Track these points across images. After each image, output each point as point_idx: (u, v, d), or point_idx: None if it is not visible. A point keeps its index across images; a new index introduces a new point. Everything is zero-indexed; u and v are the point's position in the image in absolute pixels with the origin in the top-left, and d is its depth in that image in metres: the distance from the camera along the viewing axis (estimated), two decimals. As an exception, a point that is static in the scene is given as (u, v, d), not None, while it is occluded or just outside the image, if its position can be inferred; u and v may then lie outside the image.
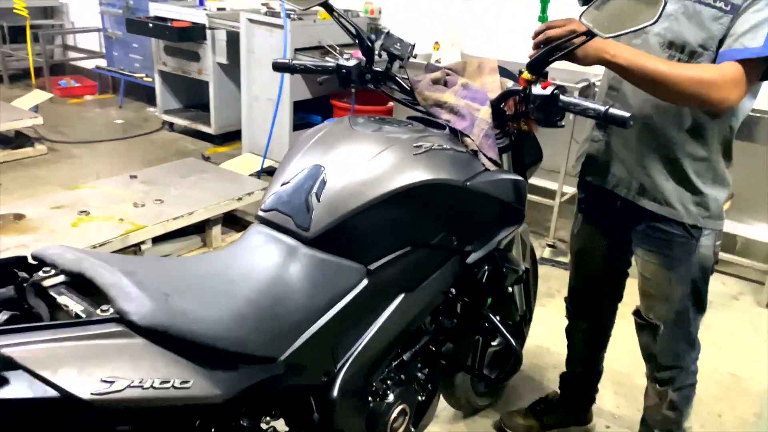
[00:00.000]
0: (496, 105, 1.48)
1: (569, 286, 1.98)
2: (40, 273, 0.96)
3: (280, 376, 1.11)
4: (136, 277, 0.93)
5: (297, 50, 3.92)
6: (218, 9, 4.68)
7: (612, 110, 1.25)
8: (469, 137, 1.44)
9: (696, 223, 1.58)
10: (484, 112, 1.48)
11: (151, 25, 4.61)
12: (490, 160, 1.44)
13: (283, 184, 1.27)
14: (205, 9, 4.68)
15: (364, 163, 1.25)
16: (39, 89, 4.85)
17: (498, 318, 1.62)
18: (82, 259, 0.96)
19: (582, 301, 1.97)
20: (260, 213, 1.27)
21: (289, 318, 1.12)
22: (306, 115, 4.52)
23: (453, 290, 1.54)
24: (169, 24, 4.60)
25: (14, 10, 5.12)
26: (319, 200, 1.21)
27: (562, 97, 1.33)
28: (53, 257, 0.97)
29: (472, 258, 1.49)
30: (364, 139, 1.31)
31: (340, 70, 1.61)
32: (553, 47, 1.34)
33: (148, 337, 0.87)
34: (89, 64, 6.52)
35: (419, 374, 1.55)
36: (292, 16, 3.96)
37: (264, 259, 1.18)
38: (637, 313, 1.76)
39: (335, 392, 1.25)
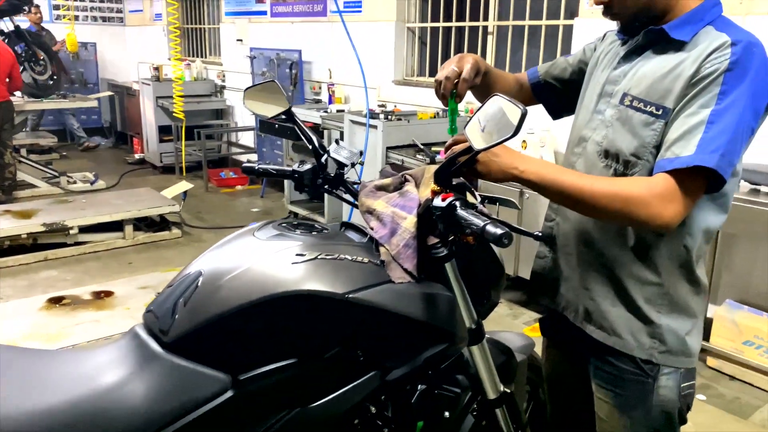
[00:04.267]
0: (422, 215, 1.42)
1: (548, 418, 1.74)
2: None
3: None
4: None
5: (389, 148, 4.06)
6: (337, 111, 5.04)
7: (489, 227, 1.13)
8: (384, 246, 1.39)
9: (650, 358, 1.33)
10: (409, 221, 1.42)
11: (276, 126, 5.08)
12: (406, 271, 1.37)
13: (169, 286, 1.31)
14: (326, 111, 5.07)
15: (236, 271, 1.25)
16: (185, 181, 5.50)
17: None
18: None
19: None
20: (144, 313, 1.32)
21: (125, 421, 1.13)
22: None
23: (372, 408, 1.44)
24: (291, 125, 5.03)
25: (174, 114, 5.96)
26: (185, 305, 1.23)
27: (458, 210, 1.24)
28: None
29: (392, 375, 1.40)
30: (252, 246, 1.32)
31: (294, 174, 1.65)
32: (450, 158, 1.26)
33: None
34: (245, 158, 7.32)
35: None
36: (390, 117, 4.14)
37: (122, 359, 1.21)
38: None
39: None
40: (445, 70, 1.44)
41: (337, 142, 1.61)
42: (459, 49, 4.96)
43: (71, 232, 4.64)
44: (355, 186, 1.62)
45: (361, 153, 1.57)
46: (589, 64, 1.50)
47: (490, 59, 4.72)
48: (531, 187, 1.25)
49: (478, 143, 1.15)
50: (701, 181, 1.17)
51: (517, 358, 1.81)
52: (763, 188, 2.80)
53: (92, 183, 6.61)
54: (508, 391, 1.72)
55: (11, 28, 6.36)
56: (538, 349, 1.85)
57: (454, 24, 4.97)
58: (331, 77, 5.80)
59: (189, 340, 1.21)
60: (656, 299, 1.33)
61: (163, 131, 7.38)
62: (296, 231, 1.39)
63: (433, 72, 5.17)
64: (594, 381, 1.46)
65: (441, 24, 5.04)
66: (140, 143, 8.12)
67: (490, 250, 1.56)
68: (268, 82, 1.67)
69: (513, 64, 4.54)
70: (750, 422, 2.72)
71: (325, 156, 1.61)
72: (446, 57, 5.01)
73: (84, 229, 4.74)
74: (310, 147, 1.64)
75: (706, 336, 3.25)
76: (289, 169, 1.69)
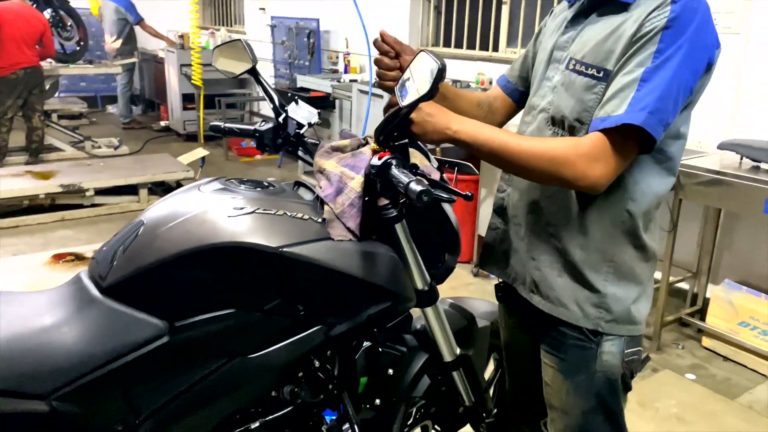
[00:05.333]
0: (368, 175, 1.42)
1: (507, 387, 1.74)
2: None
3: (48, 414, 1.17)
4: None
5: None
6: (350, 80, 5.04)
7: (411, 184, 1.14)
8: (328, 205, 1.40)
9: (596, 328, 1.32)
10: (356, 182, 1.42)
11: (289, 94, 5.10)
12: (349, 230, 1.38)
13: (115, 236, 1.36)
14: (339, 81, 5.07)
15: (174, 221, 1.29)
16: (201, 148, 5.59)
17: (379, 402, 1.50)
18: None
19: (520, 406, 1.71)
20: (90, 259, 1.36)
21: (58, 359, 1.18)
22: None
23: (316, 362, 1.47)
24: (305, 94, 5.06)
25: (192, 82, 6.03)
26: (124, 253, 1.27)
27: (392, 169, 1.24)
28: None
29: (335, 331, 1.42)
30: (194, 199, 1.35)
31: (255, 133, 1.67)
32: (387, 117, 1.27)
33: None
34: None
35: None
36: (397, 86, 4.12)
37: (63, 302, 1.26)
38: (545, 425, 1.49)
39: None
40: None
41: (296, 101, 1.62)
42: (473, 19, 4.89)
43: (87, 194, 4.77)
44: (315, 146, 1.63)
45: (319, 113, 1.58)
46: (540, 36, 1.48)
47: (503, 30, 4.64)
48: (464, 147, 1.25)
49: (406, 100, 1.15)
50: (633, 141, 1.15)
51: (480, 324, 1.82)
52: (763, 165, 2.72)
53: (116, 148, 6.76)
54: (466, 354, 1.74)
55: (40, -7, 6.49)
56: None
57: (470, -7, 4.89)
58: (347, 47, 5.79)
59: (126, 285, 1.25)
60: (601, 267, 1.31)
61: (187, 99, 7.47)
62: (241, 186, 1.42)
63: (448, 42, 5.11)
64: (541, 347, 1.46)
65: (457, -7, 4.97)
66: (166, 111, 8.24)
67: (444, 214, 1.55)
68: (233, 41, 1.68)
69: (526, 35, 4.46)
70: (736, 403, 2.68)
71: (284, 115, 1.63)
72: (461, 27, 4.95)
73: (100, 192, 4.87)
74: (271, 106, 1.66)
75: (702, 316, 3.20)
76: (251, 128, 1.71)
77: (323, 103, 5.03)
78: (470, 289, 3.71)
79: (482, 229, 3.72)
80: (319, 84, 5.19)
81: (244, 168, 6.60)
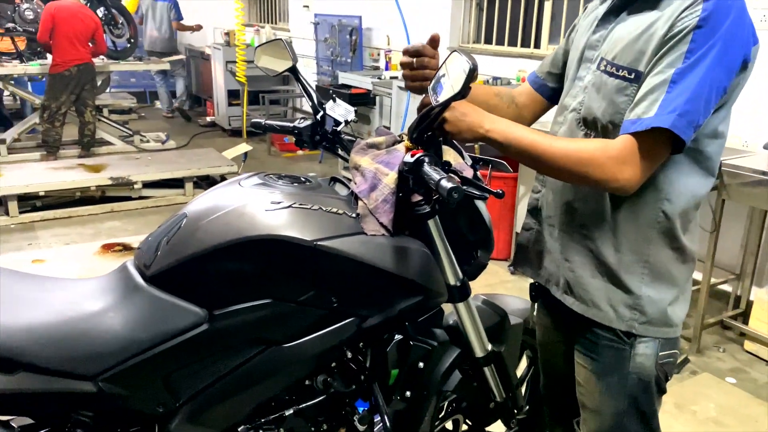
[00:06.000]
0: (402, 172, 1.45)
1: (541, 385, 1.75)
2: None
3: (95, 394, 1.24)
4: None
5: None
6: (391, 77, 5.07)
7: (442, 181, 1.16)
8: (362, 200, 1.44)
9: (630, 329, 1.32)
10: (390, 178, 1.46)
11: (330, 91, 5.16)
12: (382, 225, 1.42)
13: (159, 227, 1.42)
14: (380, 78, 5.11)
15: (215, 214, 1.34)
16: (245, 143, 5.71)
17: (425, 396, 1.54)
18: None
19: (555, 402, 1.72)
20: (135, 249, 1.43)
21: (105, 343, 1.25)
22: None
23: (349, 353, 1.51)
24: (346, 91, 5.11)
25: (237, 78, 6.16)
26: (167, 243, 1.34)
27: (424, 166, 1.27)
28: None
29: (368, 323, 1.46)
30: (235, 193, 1.41)
31: (294, 130, 1.72)
32: (421, 115, 1.29)
33: None
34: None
35: None
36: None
37: (109, 289, 1.33)
38: (578, 424, 1.50)
39: (174, 424, 1.34)
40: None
41: (333, 99, 1.66)
42: (516, 15, 4.86)
43: (135, 186, 4.94)
44: (352, 143, 1.66)
45: (356, 111, 1.62)
46: (573, 33, 1.48)
47: (545, 27, 4.60)
48: (496, 146, 1.26)
49: (439, 100, 1.18)
50: (663, 143, 1.15)
51: (512, 321, 1.83)
52: (813, 166, 2.64)
53: (163, 143, 6.95)
54: (498, 351, 1.76)
55: (93, -8, 6.71)
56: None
57: (512, -10, 4.86)
58: (389, 44, 5.82)
59: (169, 275, 1.32)
60: (636, 268, 1.31)
61: (232, 95, 7.63)
62: (279, 182, 1.47)
63: (489, 39, 5.09)
64: (575, 347, 1.46)
65: (500, -10, 4.95)
66: (212, 107, 8.43)
67: (477, 211, 1.57)
68: (275, 40, 1.73)
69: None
70: (777, 408, 2.62)
71: (322, 112, 1.67)
72: (503, 23, 4.92)
73: (148, 185, 5.04)
74: (310, 104, 1.71)
75: (745, 319, 3.13)
76: (291, 125, 1.76)
77: (364, 99, 5.08)
78: (507, 286, 3.70)
79: (520, 227, 3.70)
80: (361, 81, 5.24)
81: (285, 163, 6.71)
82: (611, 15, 1.32)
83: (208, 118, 8.53)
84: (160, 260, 1.33)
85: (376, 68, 5.99)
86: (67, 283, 1.41)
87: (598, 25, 1.34)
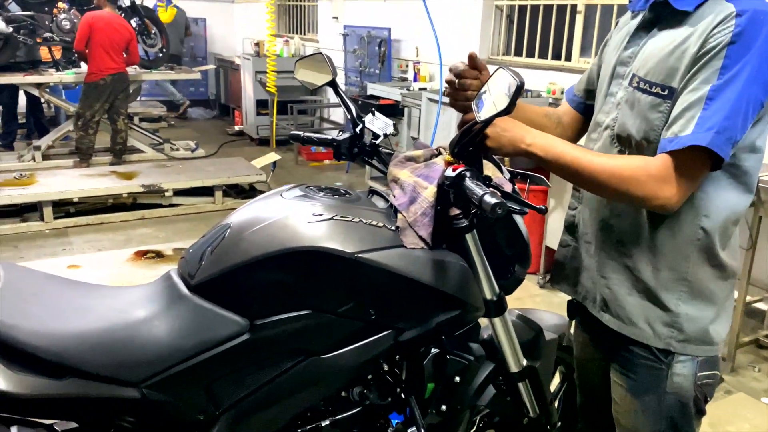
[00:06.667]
0: (441, 185, 1.46)
1: (578, 402, 1.73)
2: None
3: (138, 400, 1.27)
4: (12, 291, 1.20)
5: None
6: (419, 89, 5.09)
7: (486, 196, 1.16)
8: (402, 213, 1.45)
9: (667, 347, 1.31)
10: (429, 191, 1.47)
11: (359, 101, 5.20)
12: (421, 239, 1.42)
13: (203, 237, 1.45)
14: (409, 89, 5.13)
15: (258, 225, 1.36)
16: (273, 153, 5.77)
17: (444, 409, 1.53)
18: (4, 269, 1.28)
19: (592, 419, 1.70)
20: (179, 259, 1.46)
21: (150, 350, 1.28)
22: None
23: (385, 366, 1.52)
24: (375, 102, 5.14)
25: (267, 89, 6.24)
26: (211, 253, 1.36)
27: (466, 180, 1.27)
28: None
29: (404, 336, 1.46)
30: (277, 205, 1.43)
31: (332, 143, 1.74)
32: (463, 130, 1.30)
33: None
34: (334, 133, 7.52)
35: None
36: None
37: (154, 297, 1.36)
38: (615, 443, 1.48)
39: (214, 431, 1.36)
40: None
41: (373, 113, 1.68)
42: (546, 28, 4.85)
43: (166, 194, 5.01)
44: (389, 156, 1.68)
45: (395, 125, 1.63)
46: (605, 48, 1.48)
47: (577, 40, 4.58)
48: (538, 161, 1.27)
49: (483, 115, 1.18)
50: (702, 161, 1.15)
51: (547, 337, 1.82)
52: None
53: (192, 151, 7.05)
54: (532, 366, 1.75)
55: (127, 3, 6.85)
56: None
57: (542, 2, 4.86)
58: (417, 55, 5.84)
59: (212, 284, 1.34)
60: (675, 286, 1.30)
61: (261, 105, 7.72)
62: (320, 194, 1.48)
63: (519, 51, 5.08)
64: (611, 365, 1.45)
65: (529, 2, 4.94)
66: (240, 116, 8.54)
67: (515, 225, 1.57)
68: (316, 54, 1.75)
69: (600, 45, 4.38)
70: (817, 431, 2.56)
71: (361, 126, 1.69)
72: (533, 36, 4.92)
73: (178, 192, 5.11)
74: (348, 117, 1.72)
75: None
76: (329, 137, 1.78)
77: (392, 110, 5.10)
78: (536, 300, 3.68)
79: (549, 240, 3.68)
80: (389, 92, 5.27)
81: (312, 172, 6.76)
82: (642, 30, 1.32)
83: (236, 127, 8.63)
84: (204, 270, 1.35)
85: (404, 79, 6.02)
86: (114, 290, 1.44)
87: (629, 40, 1.34)
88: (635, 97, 1.27)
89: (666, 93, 1.20)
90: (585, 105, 1.59)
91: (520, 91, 1.11)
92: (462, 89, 1.44)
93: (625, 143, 1.30)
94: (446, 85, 1.50)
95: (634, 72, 1.28)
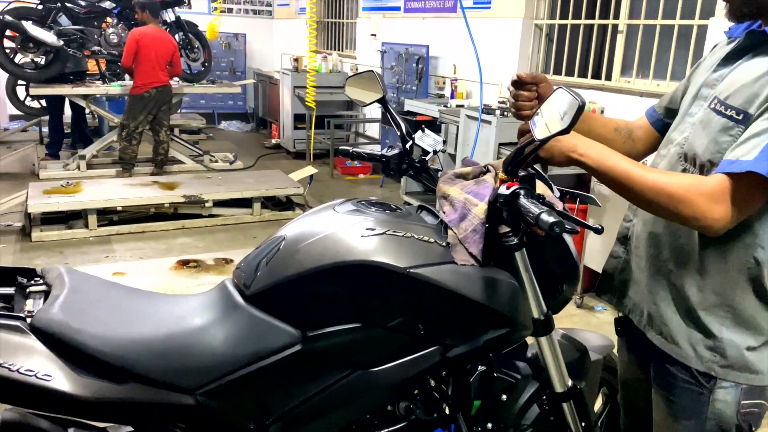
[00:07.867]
0: (492, 203, 1.47)
1: (622, 424, 1.71)
2: (29, 281, 1.35)
3: (192, 407, 1.30)
4: (78, 296, 1.25)
5: (501, 144, 4.07)
6: (457, 105, 5.11)
7: (543, 215, 1.17)
8: (452, 229, 1.46)
9: (709, 371, 1.29)
10: (480, 208, 1.48)
11: (400, 115, 5.23)
12: (471, 255, 1.43)
13: (257, 248, 1.48)
14: (446, 106, 5.16)
15: (313, 238, 1.39)
16: (311, 166, 5.84)
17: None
18: (63, 275, 1.32)
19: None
20: (234, 269, 1.49)
21: (206, 358, 1.31)
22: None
23: (432, 381, 1.53)
24: (412, 118, 5.18)
25: (306, 103, 6.33)
26: (267, 264, 1.39)
27: (521, 198, 1.28)
28: (48, 272, 1.35)
29: (452, 353, 1.47)
30: (330, 219, 1.45)
31: (381, 159, 1.77)
32: (518, 148, 1.31)
33: (39, 338, 1.17)
34: (370, 148, 7.60)
35: None
36: (505, 114, 4.15)
37: (210, 306, 1.40)
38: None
39: None
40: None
41: (422, 129, 1.70)
42: (587, 48, 4.84)
43: (206, 204, 5.11)
44: (438, 172, 1.70)
45: (444, 142, 1.65)
46: (697, 69, 1.48)
47: (617, 59, 4.56)
48: (588, 170, 1.27)
49: (539, 134, 1.20)
50: (758, 189, 1.14)
51: (592, 357, 1.81)
52: None
53: (231, 163, 7.17)
54: (577, 386, 1.73)
55: (173, 18, 7.04)
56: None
57: (583, 21, 4.85)
58: (455, 72, 5.87)
59: (267, 295, 1.37)
60: (718, 311, 1.28)
61: (298, 119, 7.83)
62: (372, 208, 1.51)
63: (558, 70, 5.08)
64: (653, 385, 1.44)
65: (570, 21, 4.94)
66: (277, 129, 8.67)
67: (564, 244, 1.57)
68: (367, 72, 1.79)
69: (642, 65, 4.36)
70: None
71: (410, 142, 1.71)
72: (573, 55, 4.91)
73: (218, 203, 5.20)
74: (398, 133, 1.75)
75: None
76: (378, 153, 1.81)
77: (429, 127, 5.10)
78: (573, 320, 3.64)
79: (588, 260, 3.65)
80: (426, 108, 5.31)
81: (348, 186, 6.82)
82: (735, 56, 1.31)
83: (273, 140, 8.76)
84: (259, 280, 1.38)
85: (441, 96, 6.05)
86: (172, 298, 1.48)
87: (720, 64, 1.33)
88: (709, 118, 1.26)
89: (741, 118, 1.19)
90: (663, 122, 1.57)
91: (581, 111, 1.12)
92: (518, 106, 1.47)
93: (690, 161, 1.30)
94: (512, 99, 1.52)
95: (716, 95, 1.27)
